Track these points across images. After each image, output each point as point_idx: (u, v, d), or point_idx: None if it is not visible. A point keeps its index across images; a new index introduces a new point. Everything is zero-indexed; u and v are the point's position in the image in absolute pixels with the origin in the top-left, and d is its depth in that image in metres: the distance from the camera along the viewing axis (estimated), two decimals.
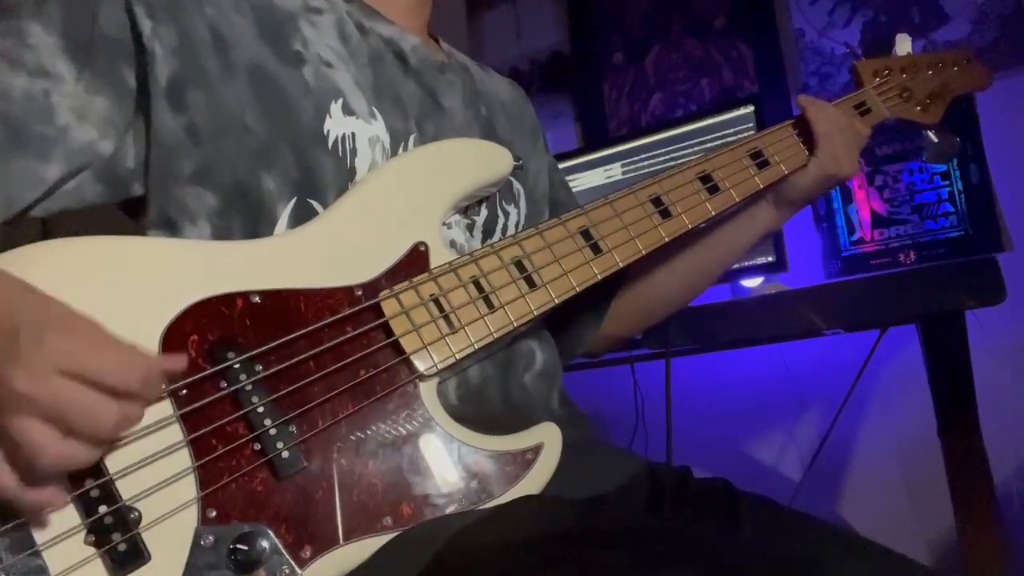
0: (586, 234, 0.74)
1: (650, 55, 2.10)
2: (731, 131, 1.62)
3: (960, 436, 1.16)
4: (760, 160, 0.88)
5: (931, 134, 1.04)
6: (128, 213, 0.67)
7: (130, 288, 0.57)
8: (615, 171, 1.75)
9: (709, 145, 1.66)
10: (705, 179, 0.84)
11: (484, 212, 0.78)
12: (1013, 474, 1.54)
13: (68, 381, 0.46)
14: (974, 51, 1.48)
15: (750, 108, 1.62)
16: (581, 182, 1.80)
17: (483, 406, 0.70)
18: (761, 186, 0.87)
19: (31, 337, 0.46)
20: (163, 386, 0.54)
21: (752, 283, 1.62)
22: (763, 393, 1.84)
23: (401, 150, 0.72)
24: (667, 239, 0.79)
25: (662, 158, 1.70)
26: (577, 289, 0.72)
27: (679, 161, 1.67)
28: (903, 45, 1.04)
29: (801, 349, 1.75)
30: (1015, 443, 1.49)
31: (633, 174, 1.73)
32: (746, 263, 1.60)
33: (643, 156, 1.72)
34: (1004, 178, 1.37)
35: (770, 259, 1.58)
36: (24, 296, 0.49)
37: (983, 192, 1.35)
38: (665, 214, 0.79)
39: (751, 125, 1.61)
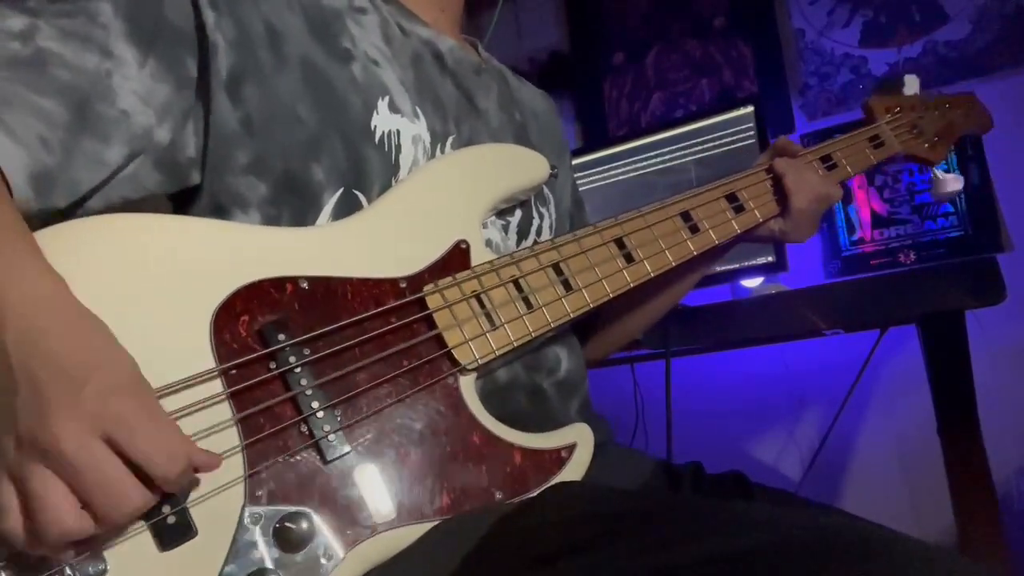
0: (620, 243, 0.76)
1: (650, 55, 2.10)
2: (731, 131, 1.62)
3: (960, 436, 1.16)
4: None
5: (937, 172, 1.06)
6: (175, 200, 0.67)
7: (182, 267, 0.57)
8: (615, 171, 1.76)
9: (709, 145, 1.66)
10: (731, 198, 0.86)
11: (519, 214, 0.80)
12: (1013, 474, 1.54)
13: (108, 452, 0.45)
14: (974, 53, 1.48)
15: (750, 108, 1.62)
16: (581, 182, 1.80)
17: (507, 404, 0.71)
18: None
19: (97, 393, 0.45)
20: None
21: (752, 283, 1.62)
22: (763, 393, 1.84)
23: (439, 151, 0.73)
24: (695, 252, 0.81)
25: (662, 158, 1.70)
26: (611, 295, 0.73)
27: (679, 161, 1.68)
28: (911, 85, 1.06)
29: (801, 349, 1.75)
30: (1015, 443, 1.49)
31: (634, 174, 1.73)
32: (746, 263, 1.60)
33: (643, 156, 1.72)
34: (1004, 178, 1.38)
35: (770, 259, 1.58)
36: (109, 350, 0.48)
37: (983, 192, 1.35)
38: (694, 229, 0.82)
39: (751, 125, 1.61)
